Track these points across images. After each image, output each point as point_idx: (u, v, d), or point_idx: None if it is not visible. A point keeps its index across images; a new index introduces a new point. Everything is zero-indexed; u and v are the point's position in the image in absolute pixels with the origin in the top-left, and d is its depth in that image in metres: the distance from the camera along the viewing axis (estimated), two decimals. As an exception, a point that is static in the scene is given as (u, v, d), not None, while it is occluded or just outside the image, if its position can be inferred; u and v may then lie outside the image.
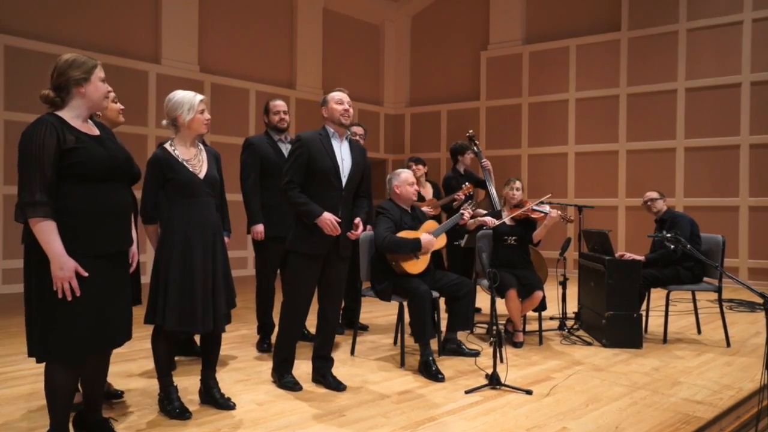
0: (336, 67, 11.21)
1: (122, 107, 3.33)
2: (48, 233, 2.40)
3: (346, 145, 3.62)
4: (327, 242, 3.51)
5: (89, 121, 2.66)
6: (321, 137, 3.55)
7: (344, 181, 3.54)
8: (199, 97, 3.13)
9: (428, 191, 6.02)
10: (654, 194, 5.31)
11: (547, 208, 4.87)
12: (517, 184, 5.04)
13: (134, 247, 2.86)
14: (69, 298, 2.42)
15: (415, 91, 12.30)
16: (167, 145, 3.11)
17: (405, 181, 4.41)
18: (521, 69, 10.71)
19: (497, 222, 4.82)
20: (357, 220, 3.57)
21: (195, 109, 3.08)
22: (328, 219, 3.43)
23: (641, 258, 4.95)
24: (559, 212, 4.79)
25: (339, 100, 3.56)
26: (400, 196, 4.41)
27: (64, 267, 2.40)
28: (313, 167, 3.47)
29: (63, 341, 2.46)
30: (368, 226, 5.27)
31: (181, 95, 3.11)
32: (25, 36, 7.51)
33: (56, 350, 2.47)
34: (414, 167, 5.92)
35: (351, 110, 3.59)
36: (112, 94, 3.05)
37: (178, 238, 3.00)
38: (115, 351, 2.79)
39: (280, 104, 4.66)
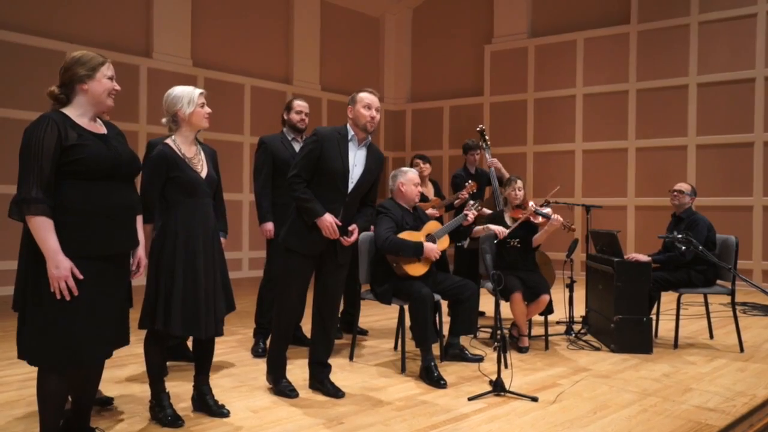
0: (334, 61, 11.21)
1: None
2: (43, 230, 2.41)
3: (362, 152, 3.56)
4: (321, 244, 3.49)
5: (98, 120, 2.68)
6: (339, 137, 3.50)
7: (350, 187, 3.51)
8: (199, 90, 3.15)
9: (430, 190, 6.03)
10: (686, 187, 5.26)
11: (549, 212, 4.86)
12: (519, 184, 5.03)
13: (140, 251, 2.83)
14: (68, 298, 2.43)
15: (416, 86, 12.30)
16: (170, 141, 3.11)
17: (411, 180, 4.42)
18: (527, 63, 10.71)
19: (506, 231, 4.78)
20: (352, 226, 3.53)
21: (195, 102, 3.10)
22: (329, 221, 3.41)
23: (648, 259, 4.94)
24: (561, 219, 4.79)
25: (368, 104, 3.48)
26: (404, 195, 4.42)
27: (60, 266, 2.41)
28: (322, 166, 3.45)
29: (57, 346, 2.47)
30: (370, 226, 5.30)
31: (180, 89, 3.13)
32: (12, 29, 7.51)
33: (50, 355, 2.48)
34: (421, 165, 5.93)
35: (378, 117, 3.51)
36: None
37: (181, 240, 3.00)
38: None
39: (303, 105, 4.78)
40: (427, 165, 5.98)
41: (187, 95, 3.10)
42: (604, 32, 9.96)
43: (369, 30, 12.04)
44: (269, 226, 4.59)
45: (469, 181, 5.61)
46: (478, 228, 4.89)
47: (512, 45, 10.88)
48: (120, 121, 7.57)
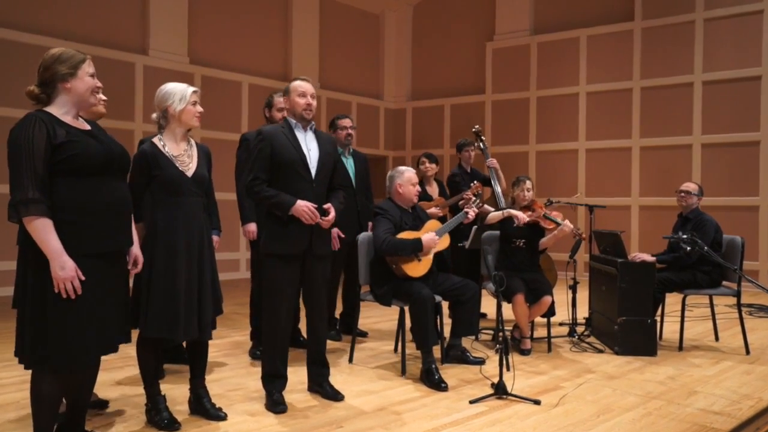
0: (333, 58, 11.21)
1: (104, 98, 3.32)
2: (44, 232, 2.40)
3: (311, 135, 3.57)
4: (303, 239, 3.43)
5: (79, 118, 2.68)
6: (283, 129, 3.51)
7: (314, 172, 3.48)
8: (192, 88, 3.15)
9: (434, 190, 6.04)
10: (693, 188, 5.26)
11: (559, 218, 4.86)
12: (528, 184, 5.03)
13: (135, 248, 2.83)
14: (72, 296, 2.43)
15: (417, 84, 12.30)
16: (156, 140, 3.11)
17: (408, 180, 4.41)
18: (529, 61, 10.71)
19: (526, 218, 4.77)
20: (327, 205, 3.47)
21: (187, 100, 3.10)
22: (304, 206, 3.35)
23: (653, 259, 4.93)
24: (571, 226, 4.79)
25: (302, 92, 3.50)
26: (402, 196, 4.41)
27: (65, 266, 2.41)
28: (278, 160, 3.42)
29: (57, 348, 2.46)
30: (369, 224, 5.29)
31: (172, 85, 3.14)
32: (5, 26, 7.50)
33: (48, 358, 2.47)
34: (427, 165, 5.94)
35: (314, 103, 3.53)
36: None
37: (161, 240, 2.99)
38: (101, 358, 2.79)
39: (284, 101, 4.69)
40: (434, 165, 6.01)
41: (179, 92, 3.10)
42: (608, 29, 9.96)
43: (369, 27, 12.04)
44: (252, 227, 4.52)
45: (475, 182, 5.61)
46: (496, 213, 4.88)
47: (514, 42, 10.87)
48: (116, 119, 7.58)
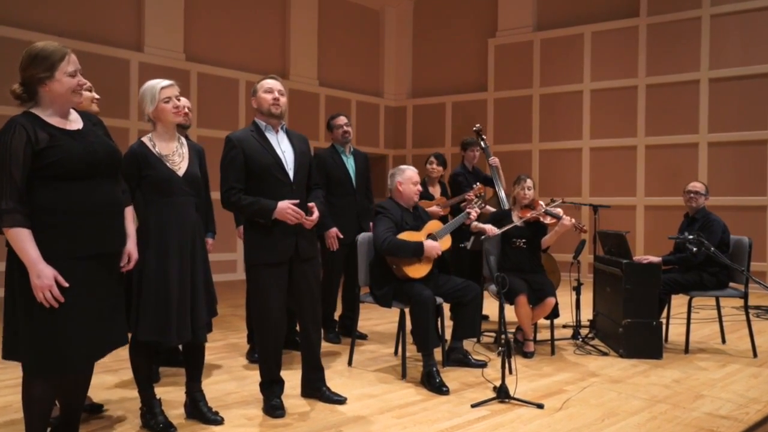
0: (332, 55, 11.21)
1: (97, 96, 3.31)
2: (21, 241, 2.40)
3: (283, 136, 3.53)
4: (289, 245, 3.40)
5: (72, 112, 2.65)
6: (253, 133, 3.46)
7: (291, 174, 3.45)
8: (163, 83, 3.08)
9: (437, 191, 6.05)
10: (701, 187, 5.26)
11: (560, 212, 4.85)
12: (528, 182, 5.03)
13: (131, 245, 2.81)
14: (55, 305, 2.42)
15: (417, 81, 12.30)
16: (145, 139, 3.11)
17: (409, 179, 4.41)
18: (532, 58, 10.71)
19: (497, 231, 4.74)
20: (311, 204, 3.43)
21: (157, 99, 3.05)
22: (287, 206, 3.30)
23: (659, 260, 4.94)
24: (573, 220, 4.78)
25: (268, 88, 3.48)
26: (402, 195, 4.41)
27: (41, 275, 2.40)
28: (252, 167, 3.37)
29: (47, 353, 2.46)
30: (370, 224, 5.29)
31: (145, 86, 3.11)
32: (-3, 22, 7.52)
33: (40, 362, 2.47)
34: (434, 166, 5.96)
35: (282, 99, 3.50)
36: (87, 84, 3.02)
37: (153, 241, 2.99)
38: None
39: (253, 102, 4.69)
40: (441, 167, 6.02)
41: (149, 92, 3.06)
42: (613, 25, 9.96)
43: (368, 23, 12.04)
44: None
45: (477, 183, 5.62)
46: (475, 223, 4.86)
47: (517, 39, 10.87)
48: (110, 117, 7.55)
